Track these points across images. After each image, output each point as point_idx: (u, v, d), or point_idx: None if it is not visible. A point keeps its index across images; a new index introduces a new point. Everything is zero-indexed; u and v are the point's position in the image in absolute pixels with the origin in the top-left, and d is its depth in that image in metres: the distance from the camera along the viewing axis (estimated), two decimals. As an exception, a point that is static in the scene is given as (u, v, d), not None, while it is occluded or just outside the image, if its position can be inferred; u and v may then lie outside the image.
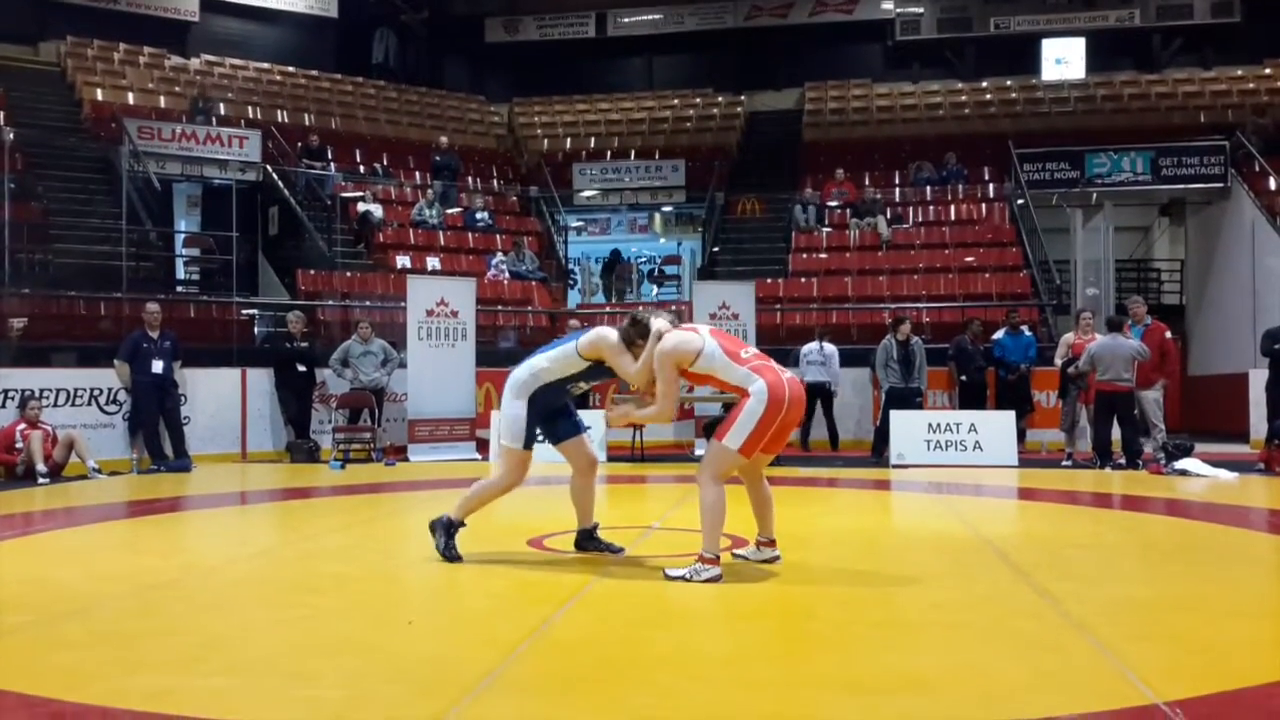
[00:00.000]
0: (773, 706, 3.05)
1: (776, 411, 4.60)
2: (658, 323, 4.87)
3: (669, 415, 4.85)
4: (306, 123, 19.02)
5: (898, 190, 18.26)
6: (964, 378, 12.04)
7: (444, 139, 19.01)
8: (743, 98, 22.46)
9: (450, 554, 5.03)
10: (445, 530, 5.08)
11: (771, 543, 5.17)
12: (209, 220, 16.70)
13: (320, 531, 6.71)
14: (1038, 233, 15.91)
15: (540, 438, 5.17)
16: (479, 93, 23.38)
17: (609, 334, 4.95)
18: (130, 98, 17.70)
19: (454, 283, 12.55)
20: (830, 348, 12.37)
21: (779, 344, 14.11)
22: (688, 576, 4.65)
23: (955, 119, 20.70)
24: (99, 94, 17.62)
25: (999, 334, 12.35)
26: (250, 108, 18.82)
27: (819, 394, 12.34)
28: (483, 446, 11.16)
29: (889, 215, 16.89)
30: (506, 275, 15.68)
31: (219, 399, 11.42)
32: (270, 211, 16.08)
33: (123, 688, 3.14)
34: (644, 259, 20.58)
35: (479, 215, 17.32)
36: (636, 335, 4.87)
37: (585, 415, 11.48)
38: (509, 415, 5.04)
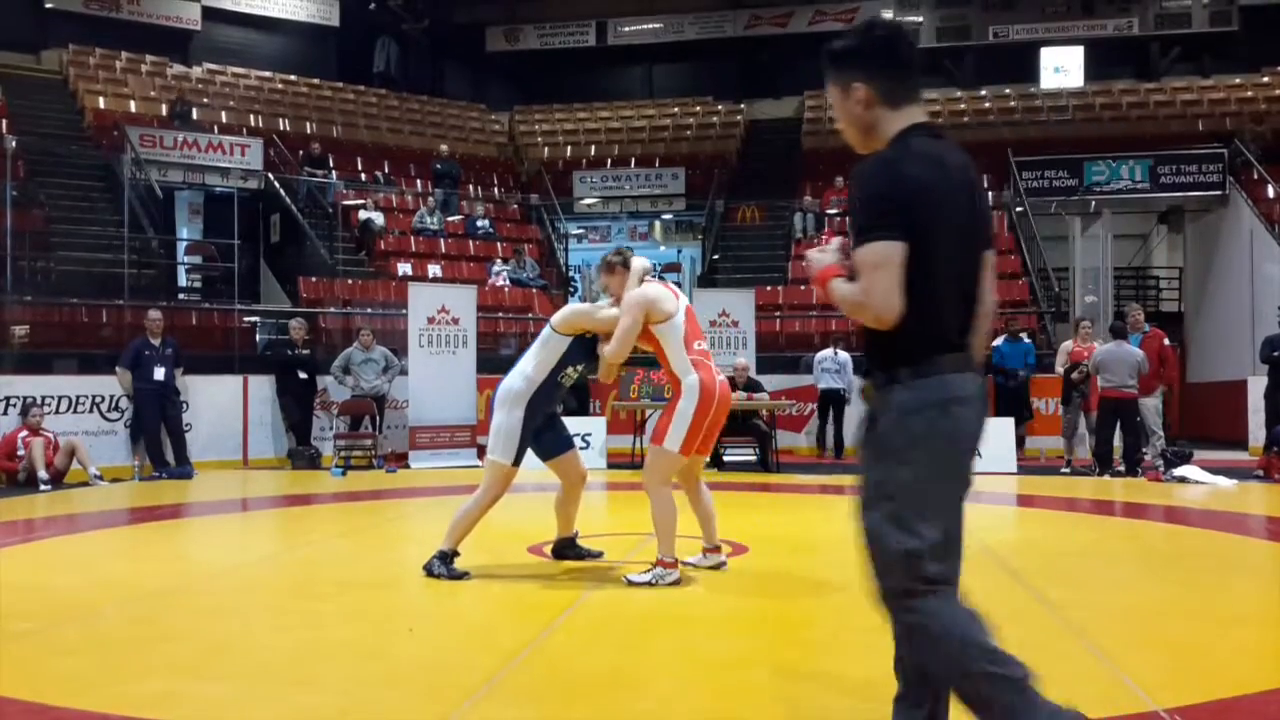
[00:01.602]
0: (772, 712, 3.06)
1: (707, 409, 4.70)
2: (639, 261, 4.96)
3: (620, 357, 4.82)
4: (308, 131, 19.06)
5: (897, 198, 18.27)
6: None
7: (445, 147, 19.05)
8: (742, 106, 22.50)
9: (455, 575, 4.93)
10: (441, 560, 4.95)
11: (717, 549, 5.20)
12: (211, 228, 16.73)
13: (321, 538, 6.72)
14: (1036, 240, 15.93)
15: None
16: (480, 101, 23.43)
17: (576, 304, 5.05)
18: (132, 106, 17.75)
19: (455, 290, 12.57)
20: (844, 355, 12.41)
21: (779, 351, 14.14)
22: (652, 582, 4.73)
23: (954, 127, 20.69)
24: (101, 102, 17.66)
25: (998, 341, 12.37)
26: (252, 116, 18.86)
27: (832, 401, 12.36)
28: (483, 453, 11.17)
29: (888, 223, 16.90)
30: (507, 283, 15.71)
31: (220, 406, 11.43)
32: (272, 219, 16.12)
33: (124, 694, 3.16)
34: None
35: (480, 223, 17.35)
36: (619, 263, 4.95)
37: (585, 422, 11.56)
38: (504, 427, 4.92)
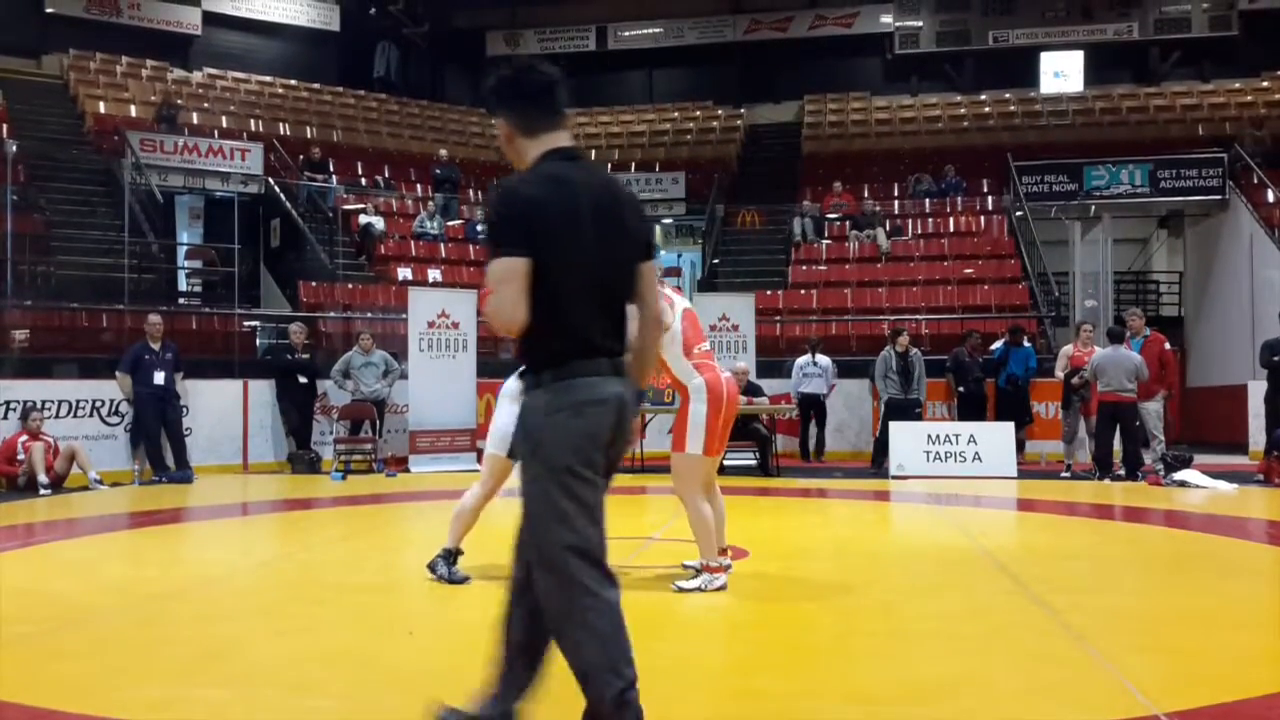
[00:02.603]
0: (774, 717, 3.06)
1: (718, 408, 4.71)
2: None
3: None
4: (308, 135, 19.07)
5: (897, 202, 18.30)
6: (961, 389, 12.06)
7: (444, 151, 19.06)
8: (742, 110, 22.52)
9: (455, 578, 4.97)
10: (445, 560, 4.99)
11: (724, 552, 5.19)
12: (211, 232, 16.74)
13: (321, 542, 6.71)
14: (1036, 245, 15.94)
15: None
16: (480, 106, 23.39)
17: None
18: (133, 110, 17.76)
19: (455, 294, 12.57)
20: (825, 359, 12.42)
21: (779, 355, 14.13)
22: (702, 587, 4.68)
23: (954, 131, 20.75)
24: (101, 107, 17.68)
25: (997, 345, 12.36)
26: (252, 120, 18.88)
27: (813, 405, 12.37)
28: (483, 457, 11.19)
29: (888, 227, 16.93)
30: (507, 287, 15.70)
31: (220, 410, 11.43)
32: (272, 224, 16.11)
33: (124, 698, 3.16)
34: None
35: (480, 227, 17.34)
36: None
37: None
38: (501, 422, 4.95)
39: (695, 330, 4.89)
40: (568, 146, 2.53)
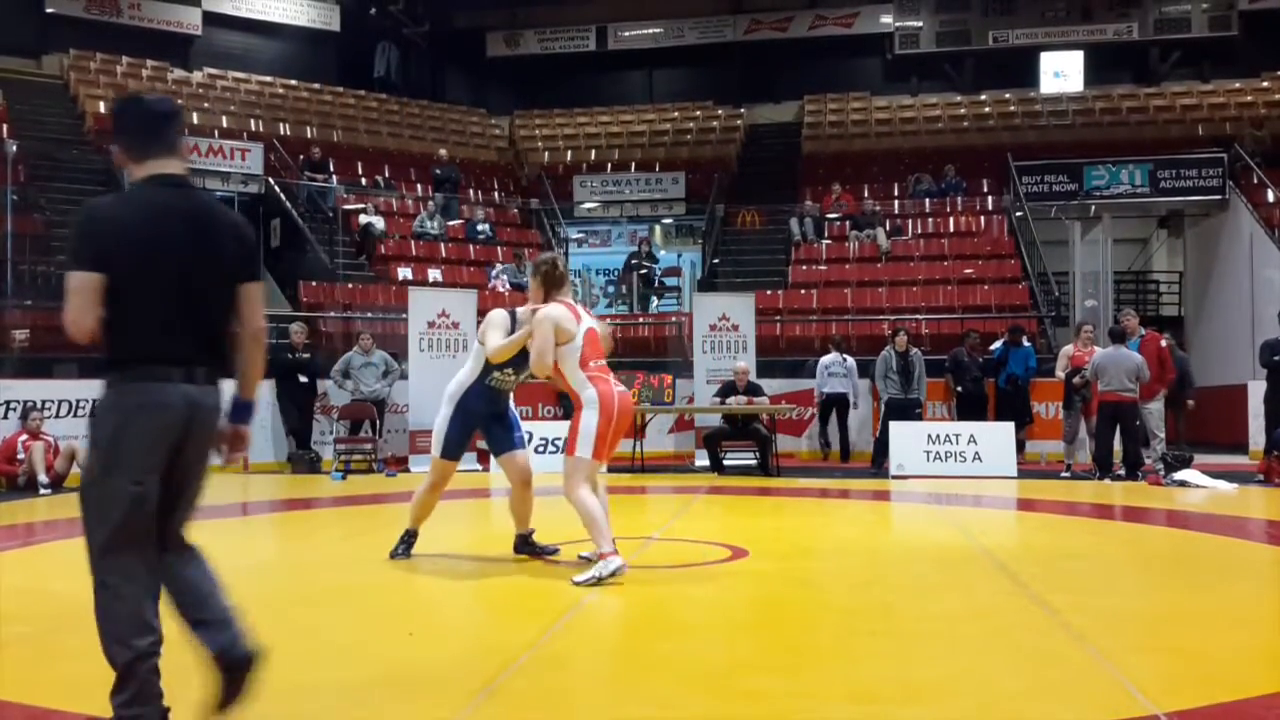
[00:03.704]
0: (774, 717, 3.06)
1: (609, 417, 4.98)
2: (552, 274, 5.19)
3: (543, 370, 5.05)
4: (309, 135, 19.07)
5: (897, 202, 18.31)
6: (959, 388, 12.06)
7: (444, 151, 19.06)
8: (742, 110, 22.51)
9: (394, 554, 5.47)
10: (402, 539, 5.51)
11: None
12: (211, 232, 16.72)
13: (321, 542, 6.71)
14: (1036, 245, 15.93)
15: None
16: (480, 105, 23.45)
17: (490, 315, 5.40)
18: (133, 110, 17.76)
19: (455, 294, 12.57)
20: (850, 359, 12.41)
21: (779, 355, 14.12)
22: (598, 576, 4.79)
23: (954, 131, 20.75)
24: (101, 106, 17.66)
25: (996, 345, 12.36)
26: (253, 120, 18.88)
27: (837, 404, 12.35)
28: (483, 457, 11.17)
29: (888, 227, 16.93)
30: (507, 286, 15.72)
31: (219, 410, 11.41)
32: (272, 224, 16.12)
33: (125, 698, 3.14)
34: (644, 271, 20.56)
35: (480, 227, 17.36)
36: (539, 272, 5.19)
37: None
38: (435, 425, 5.46)
39: (594, 348, 5.11)
40: (172, 174, 2.70)
